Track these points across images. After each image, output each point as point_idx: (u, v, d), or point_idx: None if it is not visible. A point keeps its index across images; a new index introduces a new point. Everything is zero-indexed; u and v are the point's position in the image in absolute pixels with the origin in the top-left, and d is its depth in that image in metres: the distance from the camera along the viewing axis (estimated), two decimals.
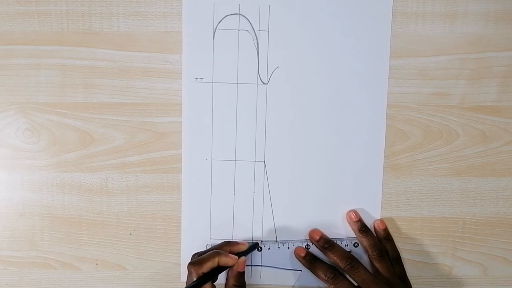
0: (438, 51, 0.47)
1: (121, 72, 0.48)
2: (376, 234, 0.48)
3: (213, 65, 0.47)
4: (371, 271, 0.46)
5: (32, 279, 0.50)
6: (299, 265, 0.48)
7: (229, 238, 0.48)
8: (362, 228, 0.47)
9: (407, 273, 0.48)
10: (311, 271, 0.47)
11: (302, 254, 0.47)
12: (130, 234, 0.49)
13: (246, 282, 0.47)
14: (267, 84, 0.47)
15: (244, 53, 0.47)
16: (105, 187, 0.49)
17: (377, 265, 0.46)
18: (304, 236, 0.48)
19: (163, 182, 0.49)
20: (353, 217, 0.47)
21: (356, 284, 0.45)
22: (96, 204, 0.49)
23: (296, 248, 0.48)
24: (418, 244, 0.49)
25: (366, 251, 0.47)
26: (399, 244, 0.49)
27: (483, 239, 0.49)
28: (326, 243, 0.47)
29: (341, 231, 0.48)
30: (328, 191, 0.48)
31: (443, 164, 0.48)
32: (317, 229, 0.48)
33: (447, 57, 0.47)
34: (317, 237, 0.47)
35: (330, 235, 0.48)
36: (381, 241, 0.47)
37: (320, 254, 0.48)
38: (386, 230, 0.48)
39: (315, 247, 0.48)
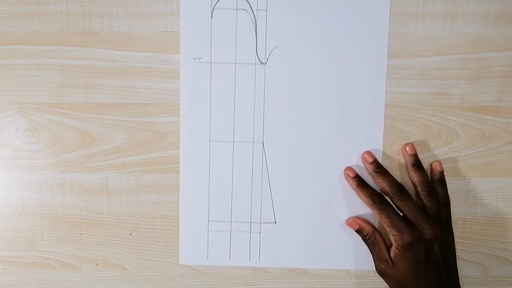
0: (438, 51, 0.47)
1: (121, 72, 0.48)
2: (431, 175, 0.47)
3: (211, 45, 0.47)
4: None
5: (32, 279, 0.50)
6: (299, 247, 0.48)
7: (228, 220, 0.48)
8: (416, 163, 0.46)
9: None
10: (357, 193, 0.46)
11: (351, 174, 0.47)
12: (130, 234, 0.49)
13: (244, 265, 0.47)
14: (265, 64, 0.47)
15: (242, 32, 0.47)
16: (105, 187, 0.49)
17: (425, 202, 0.45)
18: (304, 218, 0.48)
19: (163, 182, 0.49)
20: (409, 151, 0.47)
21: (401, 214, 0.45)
22: (96, 204, 0.49)
23: (346, 167, 0.47)
24: None
25: (415, 187, 0.46)
26: None
27: (483, 239, 0.49)
28: (379, 167, 0.46)
29: (342, 212, 0.48)
30: (328, 172, 0.48)
31: (443, 164, 0.48)
32: (370, 151, 0.47)
33: (447, 57, 0.47)
34: (371, 160, 0.47)
35: (330, 216, 0.48)
36: (433, 183, 0.47)
37: None
38: (442, 173, 0.47)
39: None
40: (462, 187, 0.48)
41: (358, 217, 0.48)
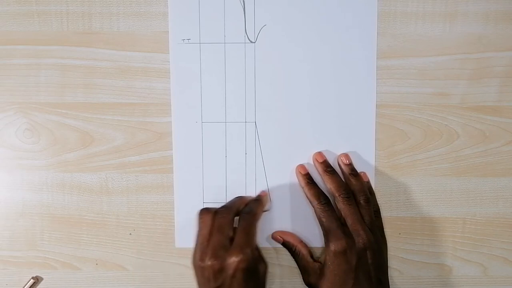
0: (438, 51, 0.47)
1: (121, 72, 0.48)
2: (361, 182, 0.46)
3: (200, 25, 0.47)
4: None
5: None
6: (295, 225, 0.48)
7: (223, 201, 0.48)
8: (353, 171, 0.46)
9: (407, 273, 0.48)
10: (305, 191, 0.46)
11: (302, 172, 0.47)
12: (130, 234, 0.49)
13: None
14: (254, 42, 0.47)
15: (231, 11, 0.47)
16: (105, 187, 0.49)
17: (361, 210, 0.45)
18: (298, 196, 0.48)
19: (163, 182, 0.49)
20: (344, 160, 0.47)
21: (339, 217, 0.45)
22: (96, 204, 0.49)
23: (298, 165, 0.47)
24: (418, 244, 0.49)
25: (353, 195, 0.45)
26: (399, 244, 0.49)
27: (483, 239, 0.49)
28: (328, 167, 0.46)
29: None
30: (320, 149, 0.48)
31: (443, 164, 0.48)
32: (321, 152, 0.47)
33: (447, 57, 0.47)
34: (321, 160, 0.47)
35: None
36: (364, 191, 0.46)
37: None
38: (369, 182, 0.47)
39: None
40: (462, 187, 0.48)
41: (282, 231, 0.48)
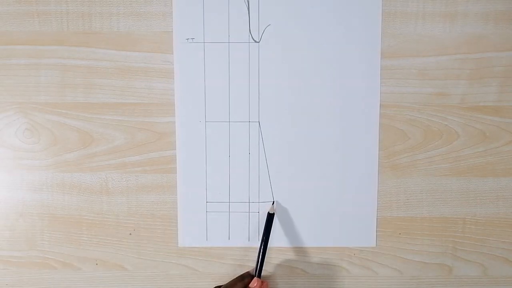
0: (438, 51, 0.47)
1: (121, 72, 0.48)
2: None
3: (204, 24, 0.47)
4: None
5: (32, 279, 0.50)
6: (297, 224, 0.48)
7: (226, 201, 0.48)
8: None
9: (407, 273, 0.48)
10: None
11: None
12: (130, 234, 0.49)
13: (244, 245, 0.47)
14: (259, 42, 0.47)
15: (235, 10, 0.47)
16: (105, 187, 0.49)
17: None
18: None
19: (163, 182, 0.49)
20: None
21: None
22: (96, 204, 0.49)
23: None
24: (418, 244, 0.49)
25: None
26: (399, 244, 0.49)
27: (483, 239, 0.49)
28: None
29: (340, 189, 0.48)
30: (324, 149, 0.48)
31: (443, 164, 0.48)
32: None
33: (447, 57, 0.47)
34: None
35: (328, 193, 0.48)
36: None
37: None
38: None
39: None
40: (462, 187, 0.48)
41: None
